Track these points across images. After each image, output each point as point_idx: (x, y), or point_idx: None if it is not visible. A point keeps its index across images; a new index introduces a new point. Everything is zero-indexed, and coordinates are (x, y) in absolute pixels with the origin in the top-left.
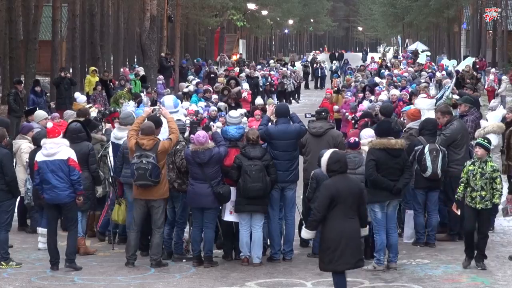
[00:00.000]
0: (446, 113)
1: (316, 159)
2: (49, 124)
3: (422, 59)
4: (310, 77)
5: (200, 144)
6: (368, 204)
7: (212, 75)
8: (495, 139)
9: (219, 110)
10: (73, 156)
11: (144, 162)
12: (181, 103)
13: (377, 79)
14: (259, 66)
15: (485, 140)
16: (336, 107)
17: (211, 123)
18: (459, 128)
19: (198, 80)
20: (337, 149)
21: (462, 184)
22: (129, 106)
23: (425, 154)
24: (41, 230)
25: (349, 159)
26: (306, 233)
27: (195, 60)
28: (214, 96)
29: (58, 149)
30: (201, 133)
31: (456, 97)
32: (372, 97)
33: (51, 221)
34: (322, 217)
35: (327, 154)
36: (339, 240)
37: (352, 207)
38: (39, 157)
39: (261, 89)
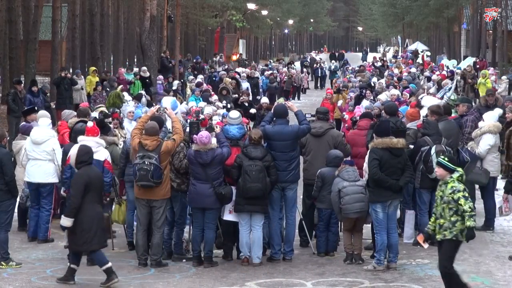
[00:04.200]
0: (435, 113)
1: (316, 159)
2: (90, 123)
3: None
4: (310, 77)
5: (203, 145)
6: (370, 204)
7: (214, 78)
8: (491, 139)
9: (228, 110)
10: (109, 158)
11: (146, 163)
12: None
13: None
14: (259, 67)
15: (445, 159)
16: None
17: (215, 123)
18: (443, 130)
19: (198, 80)
20: (86, 144)
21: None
22: (129, 106)
23: (432, 155)
24: None
25: (348, 172)
26: (66, 221)
27: (195, 59)
28: (215, 97)
29: (97, 149)
30: (204, 134)
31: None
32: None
33: None
34: (79, 204)
35: (75, 148)
36: (92, 223)
37: (99, 194)
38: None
39: (261, 90)
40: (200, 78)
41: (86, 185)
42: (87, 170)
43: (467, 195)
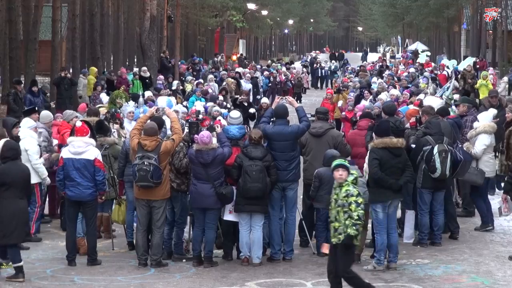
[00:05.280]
0: (425, 113)
1: (316, 159)
2: (78, 123)
3: (422, 59)
4: (309, 77)
5: (204, 144)
6: (371, 204)
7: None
8: (487, 139)
9: (229, 110)
10: (99, 157)
11: (146, 163)
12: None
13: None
14: (258, 66)
15: (345, 161)
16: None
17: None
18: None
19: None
20: (10, 139)
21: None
22: (129, 106)
23: (434, 155)
24: None
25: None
26: None
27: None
28: (220, 98)
29: (86, 148)
30: (205, 133)
31: (456, 96)
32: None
33: (72, 218)
34: None
35: (1, 143)
36: (12, 217)
37: (22, 189)
38: (65, 153)
39: (261, 89)
40: (210, 78)
41: (4, 181)
42: (9, 166)
43: (359, 201)
